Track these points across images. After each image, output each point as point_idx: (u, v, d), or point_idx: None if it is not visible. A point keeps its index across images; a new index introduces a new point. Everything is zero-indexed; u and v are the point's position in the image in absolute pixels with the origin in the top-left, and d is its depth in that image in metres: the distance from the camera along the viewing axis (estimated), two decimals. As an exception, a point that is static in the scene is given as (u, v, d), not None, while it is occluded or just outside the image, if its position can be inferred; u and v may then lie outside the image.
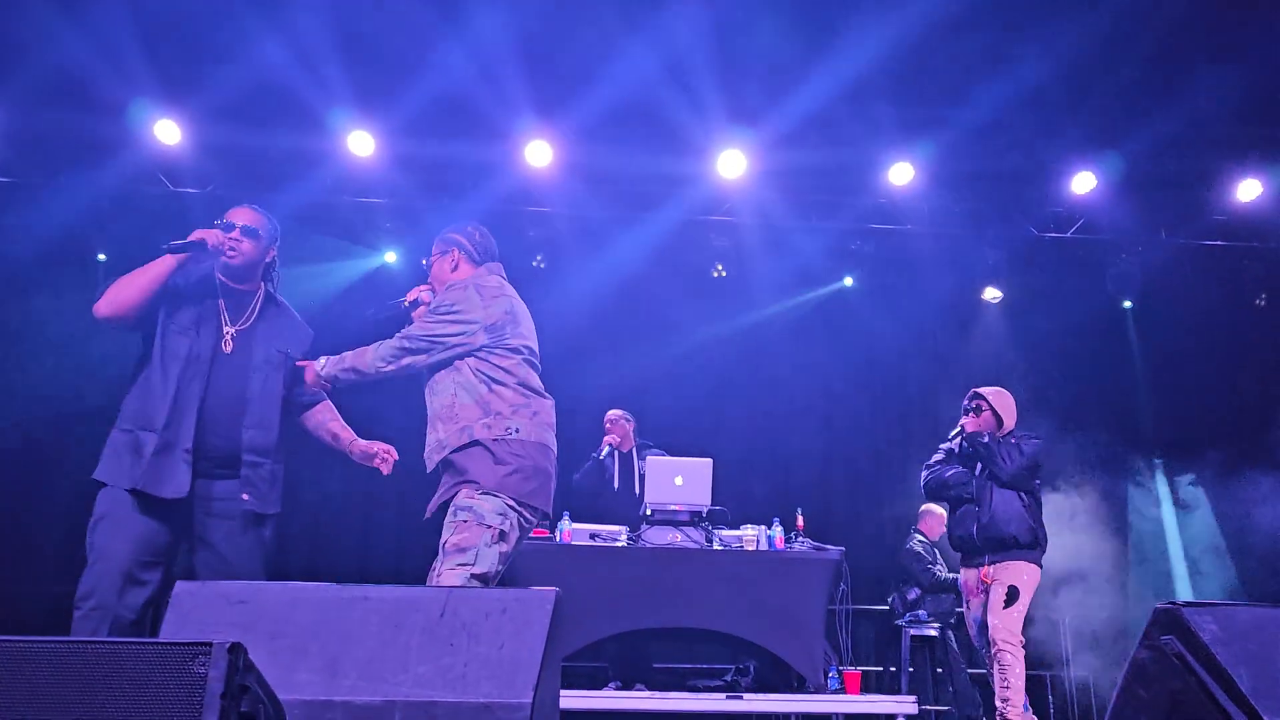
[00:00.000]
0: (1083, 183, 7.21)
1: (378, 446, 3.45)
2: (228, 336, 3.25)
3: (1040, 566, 4.79)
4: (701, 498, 5.61)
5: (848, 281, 8.24)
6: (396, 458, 3.44)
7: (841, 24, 5.90)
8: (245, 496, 3.17)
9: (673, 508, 5.63)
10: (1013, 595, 4.64)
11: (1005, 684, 4.56)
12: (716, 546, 5.55)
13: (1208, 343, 8.05)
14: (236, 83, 6.20)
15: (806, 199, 7.53)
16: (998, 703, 4.57)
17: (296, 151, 6.89)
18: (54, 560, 6.59)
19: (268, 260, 3.43)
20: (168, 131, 6.64)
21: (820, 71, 6.16)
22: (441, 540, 3.09)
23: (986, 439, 4.87)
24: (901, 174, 7.15)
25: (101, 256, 7.47)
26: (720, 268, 8.00)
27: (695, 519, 5.66)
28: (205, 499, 3.14)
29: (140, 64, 6.10)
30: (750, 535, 5.56)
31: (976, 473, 4.93)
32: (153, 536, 3.04)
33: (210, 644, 1.41)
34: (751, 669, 5.82)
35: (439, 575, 3.02)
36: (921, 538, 6.83)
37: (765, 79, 6.43)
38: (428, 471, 3.25)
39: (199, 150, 6.85)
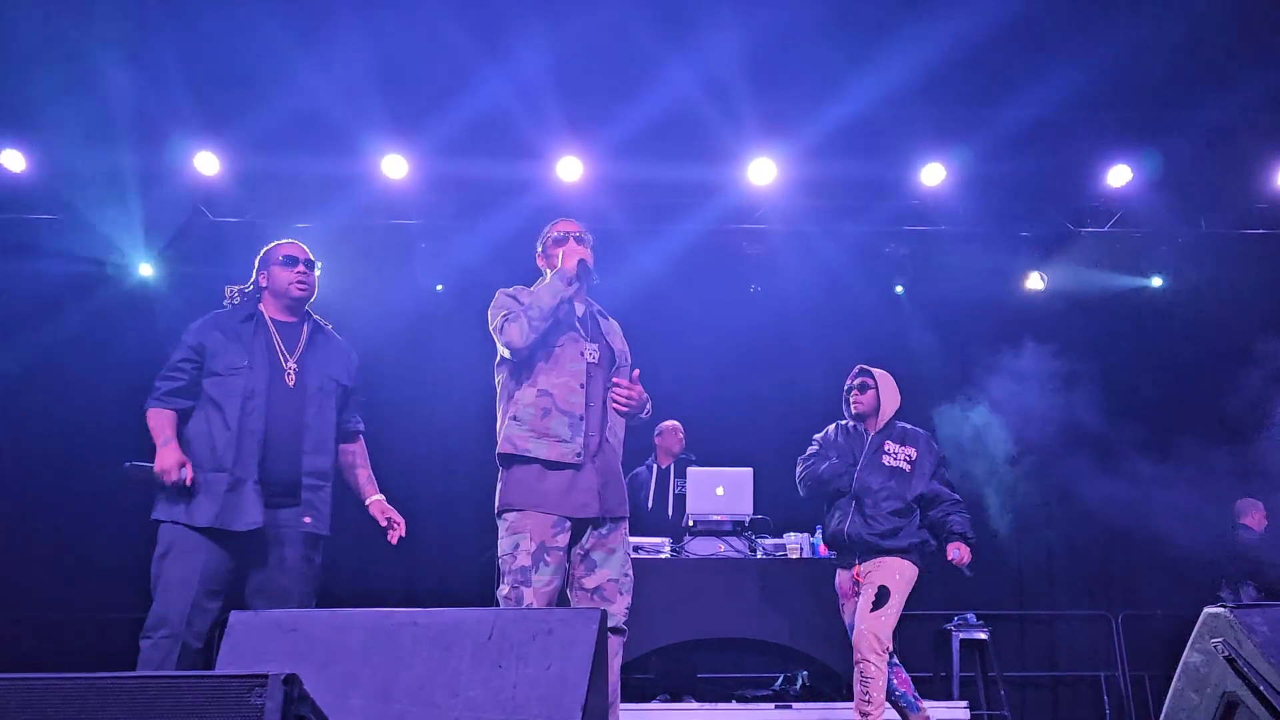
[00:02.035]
0: (1119, 176, 7.14)
1: (393, 514, 3.48)
2: (289, 370, 3.33)
3: (917, 566, 4.36)
4: (743, 507, 5.62)
5: (899, 290, 8.18)
6: (404, 534, 3.47)
7: (878, 32, 5.89)
8: (307, 520, 3.26)
9: (715, 518, 5.64)
10: (882, 597, 4.21)
11: (866, 697, 4.11)
12: (760, 556, 5.55)
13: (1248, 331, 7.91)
14: (273, 113, 6.34)
15: (838, 203, 7.52)
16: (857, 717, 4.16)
17: (331, 177, 7.01)
18: (101, 584, 6.72)
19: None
20: (207, 163, 6.79)
21: (855, 79, 6.15)
22: (623, 569, 3.24)
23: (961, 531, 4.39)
24: (933, 174, 7.12)
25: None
26: (756, 286, 7.99)
27: (738, 529, 5.67)
28: (268, 527, 3.21)
29: (182, 99, 6.25)
30: (793, 543, 5.56)
31: (857, 464, 4.46)
32: (217, 567, 3.14)
33: (266, 676, 1.45)
34: (800, 678, 5.80)
35: (623, 599, 3.20)
36: (1248, 530, 6.53)
37: (799, 88, 6.45)
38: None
39: (237, 180, 6.99)
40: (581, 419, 3.23)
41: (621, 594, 3.19)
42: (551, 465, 3.20)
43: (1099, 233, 7.66)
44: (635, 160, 6.93)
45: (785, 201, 7.41)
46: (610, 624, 3.07)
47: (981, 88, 6.44)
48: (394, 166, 6.89)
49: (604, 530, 3.23)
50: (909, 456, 4.44)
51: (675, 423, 6.53)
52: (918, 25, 5.79)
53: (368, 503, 3.52)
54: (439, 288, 7.95)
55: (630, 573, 3.25)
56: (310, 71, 6.05)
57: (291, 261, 3.41)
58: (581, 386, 3.27)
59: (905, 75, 6.09)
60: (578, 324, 3.40)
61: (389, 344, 7.62)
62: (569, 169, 6.96)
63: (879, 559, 4.30)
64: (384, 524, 3.47)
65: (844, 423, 4.67)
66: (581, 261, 3.38)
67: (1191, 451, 7.51)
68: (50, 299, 7.19)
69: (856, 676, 4.16)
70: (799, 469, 4.63)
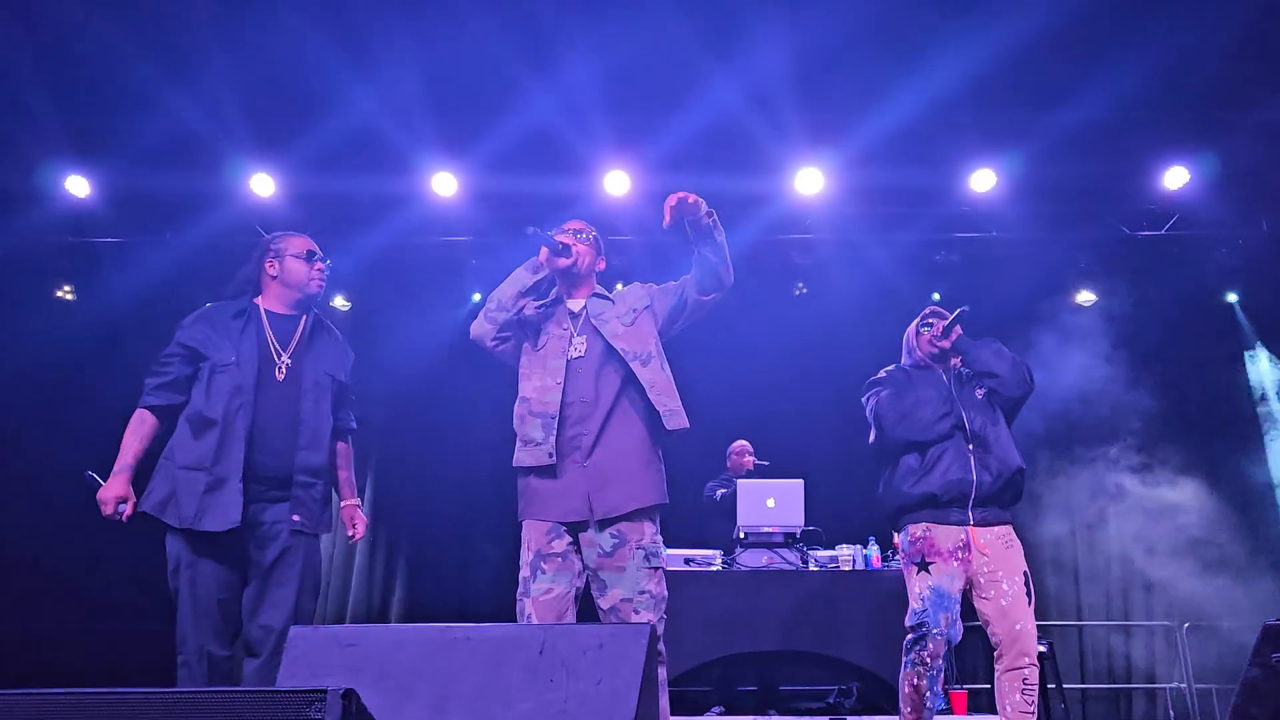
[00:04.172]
0: (1176, 178, 7.00)
1: (359, 519, 3.51)
2: (281, 365, 3.28)
3: None
4: (795, 519, 5.61)
5: (935, 297, 8.07)
6: (361, 536, 3.51)
7: (925, 39, 5.85)
8: (296, 517, 3.20)
9: (766, 530, 5.63)
10: (1029, 586, 3.56)
11: (1032, 707, 3.46)
12: (812, 567, 5.53)
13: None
14: (327, 134, 6.47)
15: (887, 211, 7.47)
16: None
17: (383, 195, 7.13)
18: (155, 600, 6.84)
19: None
20: (263, 185, 6.95)
21: (903, 86, 6.11)
22: (638, 586, 2.97)
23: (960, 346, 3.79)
24: (984, 180, 7.04)
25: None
26: (801, 285, 7.97)
27: (789, 540, 5.65)
28: (257, 524, 3.17)
29: (238, 123, 6.41)
30: (846, 555, 5.53)
31: (958, 395, 3.78)
32: (228, 575, 3.14)
33: (325, 691, 1.49)
34: (854, 690, 5.76)
35: (640, 618, 2.94)
36: None
37: (846, 96, 6.41)
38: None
39: (292, 200, 7.13)
40: (554, 418, 3.06)
41: (638, 613, 2.94)
42: (533, 471, 3.09)
43: (1156, 236, 7.52)
44: (683, 173, 6.93)
45: (833, 211, 7.38)
46: None
47: (1032, 91, 6.36)
48: (444, 184, 6.99)
49: (607, 548, 3.00)
50: (984, 395, 3.83)
51: (744, 443, 6.72)
52: (966, 30, 5.74)
53: (341, 505, 3.52)
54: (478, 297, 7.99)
55: (650, 589, 2.97)
56: (362, 92, 6.17)
57: (312, 257, 3.38)
58: (558, 384, 3.11)
59: (954, 81, 6.03)
60: (570, 321, 3.29)
61: (440, 359, 7.73)
62: (616, 183, 7.00)
63: (1006, 529, 3.62)
64: (349, 529, 3.48)
65: (906, 364, 4.02)
66: (553, 247, 3.27)
67: (1254, 459, 7.35)
68: (114, 321, 7.37)
69: (1018, 685, 3.47)
70: (883, 416, 3.77)
